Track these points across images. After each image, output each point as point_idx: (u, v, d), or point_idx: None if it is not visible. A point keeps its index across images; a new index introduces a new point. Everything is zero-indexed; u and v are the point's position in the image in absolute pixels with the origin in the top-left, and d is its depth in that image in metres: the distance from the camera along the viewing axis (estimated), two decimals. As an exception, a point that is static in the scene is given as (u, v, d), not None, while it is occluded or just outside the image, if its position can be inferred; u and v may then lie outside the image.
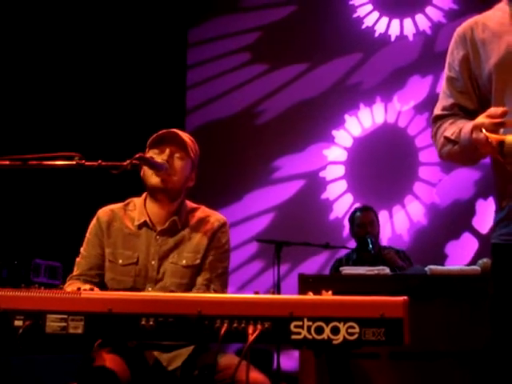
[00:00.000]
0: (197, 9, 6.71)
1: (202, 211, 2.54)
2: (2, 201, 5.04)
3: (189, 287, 2.41)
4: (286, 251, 4.70)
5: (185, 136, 2.52)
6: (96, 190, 4.90)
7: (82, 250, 2.50)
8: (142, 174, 2.49)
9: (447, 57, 2.12)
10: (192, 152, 2.51)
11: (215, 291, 2.40)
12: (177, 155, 2.46)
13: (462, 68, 2.05)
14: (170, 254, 2.43)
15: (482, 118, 1.84)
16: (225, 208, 5.94)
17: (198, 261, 2.43)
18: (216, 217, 2.53)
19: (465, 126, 1.94)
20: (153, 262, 2.42)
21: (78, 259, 2.50)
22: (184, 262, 2.42)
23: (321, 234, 5.45)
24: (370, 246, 4.45)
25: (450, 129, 2.01)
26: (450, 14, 6.15)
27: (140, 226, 2.46)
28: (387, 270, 3.52)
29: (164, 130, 2.48)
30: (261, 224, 6.18)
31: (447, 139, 2.01)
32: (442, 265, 4.17)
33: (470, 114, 2.01)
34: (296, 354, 3.89)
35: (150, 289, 2.39)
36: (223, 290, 2.45)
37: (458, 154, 1.99)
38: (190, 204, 2.55)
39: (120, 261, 2.42)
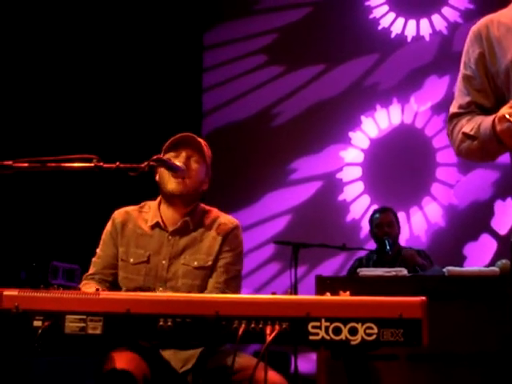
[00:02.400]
0: (212, 12, 6.73)
1: (215, 214, 2.55)
2: (21, 203, 5.08)
3: (200, 289, 2.41)
4: (304, 253, 4.69)
5: (200, 140, 2.55)
6: (114, 193, 4.92)
7: (98, 250, 2.55)
8: (157, 178, 2.51)
9: (463, 55, 2.12)
10: (207, 156, 2.55)
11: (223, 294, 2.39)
12: (193, 158, 2.49)
13: (478, 66, 2.05)
14: (182, 255, 2.44)
15: (505, 109, 1.83)
16: (242, 210, 5.95)
17: (209, 263, 2.44)
18: (228, 219, 2.54)
19: (484, 121, 1.93)
20: (163, 262, 2.44)
21: (93, 259, 2.54)
22: (196, 263, 2.43)
23: (338, 235, 5.43)
24: (388, 247, 4.44)
25: (469, 125, 2.01)
26: (467, 13, 6.11)
27: (153, 227, 2.49)
28: (405, 272, 3.50)
29: (180, 134, 2.50)
30: (278, 226, 6.17)
31: (466, 135, 2.00)
32: (461, 266, 4.14)
33: (487, 112, 2.01)
34: (313, 356, 3.88)
35: (160, 288, 2.40)
36: (236, 293, 2.44)
37: (478, 150, 1.99)
38: (202, 206, 2.57)
39: (131, 259, 2.45)
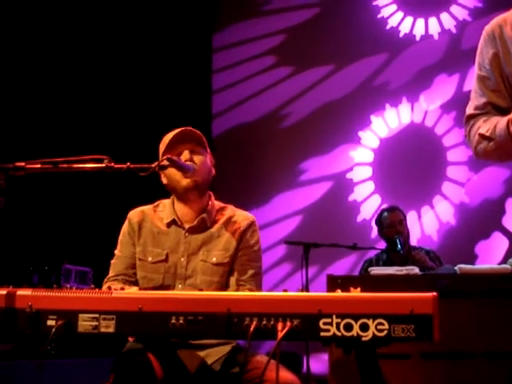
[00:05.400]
0: (221, 13, 6.75)
1: (231, 210, 2.56)
2: (33, 206, 5.11)
3: (219, 285, 2.41)
4: (315, 253, 4.69)
5: (197, 131, 2.51)
6: (126, 196, 4.94)
7: (116, 251, 2.54)
8: (165, 180, 2.50)
9: (477, 56, 2.10)
10: (206, 144, 2.53)
11: (251, 291, 2.38)
12: (195, 152, 2.47)
13: (492, 66, 2.04)
14: (199, 252, 2.45)
15: None
16: (253, 211, 5.89)
17: (227, 259, 2.44)
18: (245, 215, 2.54)
19: (500, 122, 1.93)
20: (182, 259, 2.44)
21: (112, 261, 2.53)
22: (214, 259, 2.43)
23: (349, 235, 5.42)
24: (399, 246, 4.42)
25: (485, 126, 2.00)
26: (475, 12, 6.09)
27: (169, 225, 2.49)
28: (416, 270, 3.48)
29: (176, 131, 2.47)
30: (289, 226, 6.17)
31: (482, 136, 2.00)
32: (472, 265, 4.13)
33: (504, 112, 2.00)
34: (325, 357, 3.87)
35: (179, 286, 2.40)
36: (258, 290, 2.44)
37: (494, 151, 1.99)
38: (218, 203, 2.57)
39: (150, 258, 2.45)
